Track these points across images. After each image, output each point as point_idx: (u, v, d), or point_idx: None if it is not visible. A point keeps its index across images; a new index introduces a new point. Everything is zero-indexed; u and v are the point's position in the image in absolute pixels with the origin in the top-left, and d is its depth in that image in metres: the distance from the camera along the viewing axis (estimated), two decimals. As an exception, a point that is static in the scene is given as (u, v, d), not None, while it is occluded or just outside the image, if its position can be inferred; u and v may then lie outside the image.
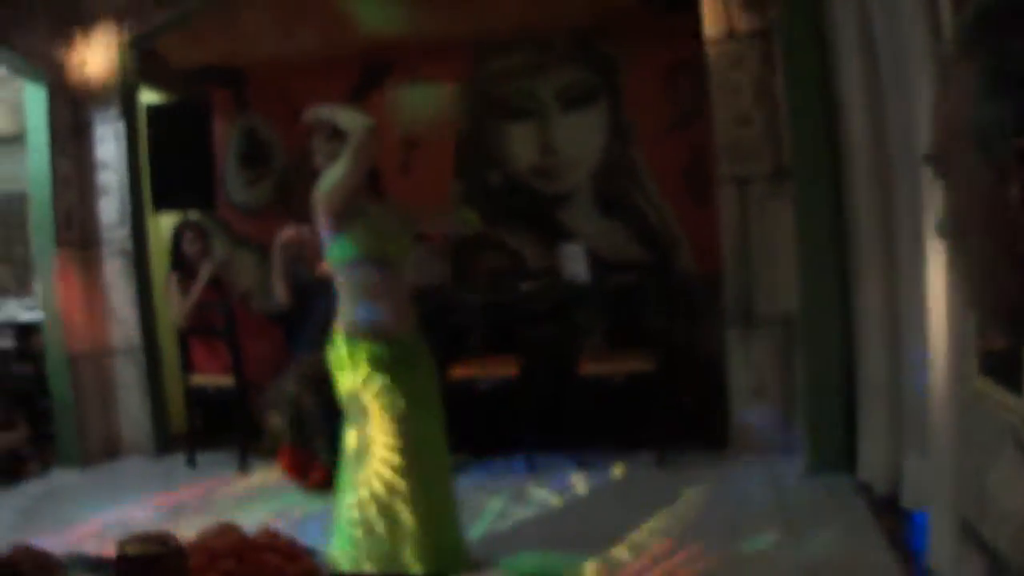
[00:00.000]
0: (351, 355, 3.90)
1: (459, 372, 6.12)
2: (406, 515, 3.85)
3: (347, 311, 3.94)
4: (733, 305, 5.81)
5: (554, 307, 6.27)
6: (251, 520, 5.13)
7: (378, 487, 3.87)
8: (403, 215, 4.15)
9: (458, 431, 6.02)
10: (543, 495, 5.47)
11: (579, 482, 5.67)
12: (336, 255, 3.93)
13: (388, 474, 3.86)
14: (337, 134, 3.87)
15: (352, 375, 3.92)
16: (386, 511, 3.86)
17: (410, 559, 3.83)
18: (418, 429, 3.92)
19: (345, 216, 3.86)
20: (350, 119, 3.83)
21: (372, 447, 3.89)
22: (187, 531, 4.67)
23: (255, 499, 5.83)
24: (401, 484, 3.86)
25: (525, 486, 5.65)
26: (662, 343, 6.03)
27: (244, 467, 6.45)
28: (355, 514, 3.91)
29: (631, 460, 5.94)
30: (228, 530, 1.86)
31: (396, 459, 3.86)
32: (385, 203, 4.13)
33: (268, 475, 6.29)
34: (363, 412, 3.93)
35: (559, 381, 6.07)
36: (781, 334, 5.71)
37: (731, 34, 5.79)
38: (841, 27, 4.78)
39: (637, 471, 5.78)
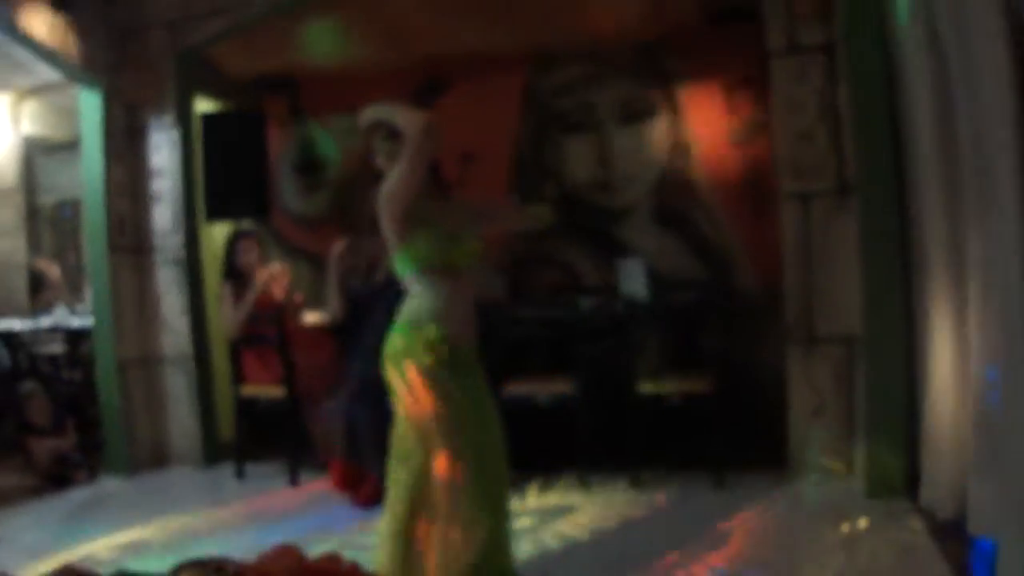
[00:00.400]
0: (410, 347, 3.81)
1: (516, 388, 6.13)
2: (454, 531, 3.76)
3: (413, 315, 3.86)
4: (794, 323, 5.77)
5: (611, 324, 6.21)
6: (298, 534, 5.20)
7: (422, 498, 3.81)
8: (470, 214, 4.06)
9: (512, 447, 6.10)
10: (596, 514, 5.43)
11: (633, 502, 5.64)
12: (403, 263, 3.87)
13: (437, 484, 3.78)
14: (395, 133, 3.82)
15: (408, 369, 3.84)
16: (429, 524, 3.80)
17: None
18: (476, 437, 3.85)
19: (409, 222, 3.79)
20: (405, 118, 3.77)
21: (420, 454, 3.82)
22: (237, 545, 4.72)
23: (305, 513, 5.83)
24: (451, 496, 3.77)
25: (578, 505, 5.63)
26: (720, 362, 5.98)
27: (294, 480, 6.47)
28: (396, 527, 3.87)
29: (687, 481, 5.93)
30: (288, 553, 1.81)
31: (449, 467, 3.77)
32: (450, 202, 4.06)
33: (318, 488, 6.31)
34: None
35: (615, 399, 6.03)
36: (843, 353, 5.65)
37: (794, 48, 5.75)
38: (908, 37, 4.73)
39: (693, 492, 5.75)
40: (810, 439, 5.76)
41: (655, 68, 7.47)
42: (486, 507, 3.84)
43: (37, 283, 8.95)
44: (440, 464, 3.78)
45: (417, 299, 3.85)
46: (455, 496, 3.76)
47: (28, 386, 7.23)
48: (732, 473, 5.81)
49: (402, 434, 3.89)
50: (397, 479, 3.89)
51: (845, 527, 4.80)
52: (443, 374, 3.77)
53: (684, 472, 6.03)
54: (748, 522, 5.05)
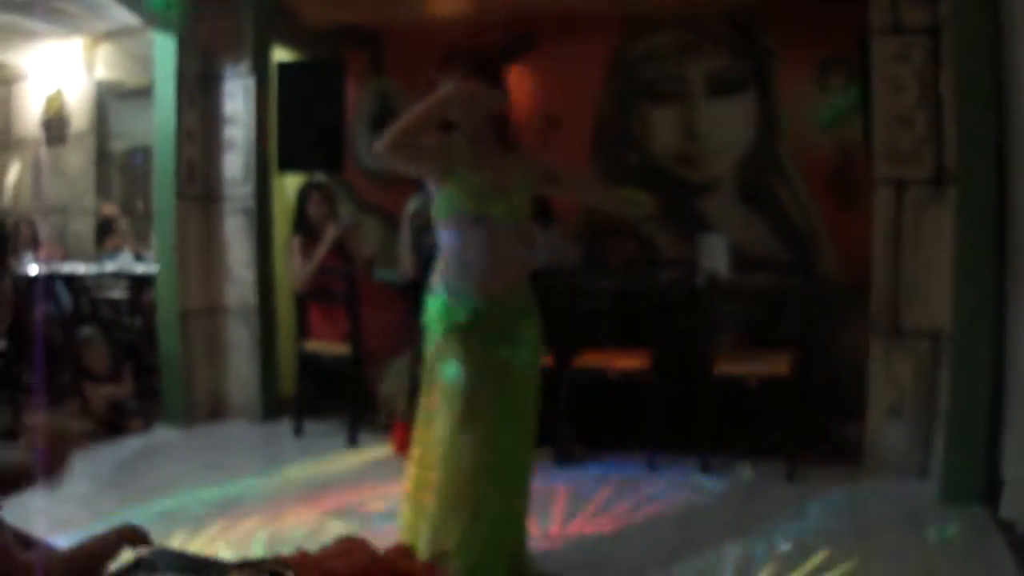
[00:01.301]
0: (438, 315, 3.85)
1: (588, 360, 6.14)
2: (458, 515, 3.73)
3: (442, 270, 3.89)
4: (878, 314, 5.71)
5: (689, 300, 6.17)
6: (358, 499, 5.26)
7: (433, 470, 3.81)
8: (533, 173, 3.97)
9: (580, 421, 6.11)
10: (661, 496, 5.44)
11: (702, 486, 5.64)
12: (435, 212, 3.89)
13: (445, 459, 3.77)
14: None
15: (433, 336, 3.88)
16: (440, 497, 3.77)
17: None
18: (490, 413, 3.79)
19: (443, 170, 3.80)
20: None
21: (436, 421, 3.84)
22: (294, 511, 4.74)
23: (366, 475, 5.90)
24: (455, 474, 3.74)
25: (643, 485, 5.63)
26: (800, 348, 5.94)
27: (353, 441, 6.54)
28: (409, 491, 3.93)
29: (759, 468, 5.90)
30: (355, 547, 1.75)
31: (454, 441, 3.75)
32: (508, 157, 3.93)
33: (378, 451, 6.38)
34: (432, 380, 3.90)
35: (690, 378, 6.02)
36: (928, 349, 5.58)
37: (898, 28, 5.65)
38: (1018, 21, 4.65)
39: (764, 480, 5.73)
40: (887, 436, 5.70)
41: (748, 40, 7.44)
42: (498, 482, 3.82)
43: (104, 228, 9.10)
44: (445, 435, 3.78)
45: (445, 253, 3.87)
46: (458, 469, 3.75)
47: (87, 331, 7.33)
48: (804, 464, 5.77)
49: (427, 395, 3.93)
50: (416, 440, 3.95)
51: (916, 534, 4.72)
52: (456, 344, 3.79)
53: (756, 458, 6.00)
54: (817, 518, 5.00)
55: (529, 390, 3.95)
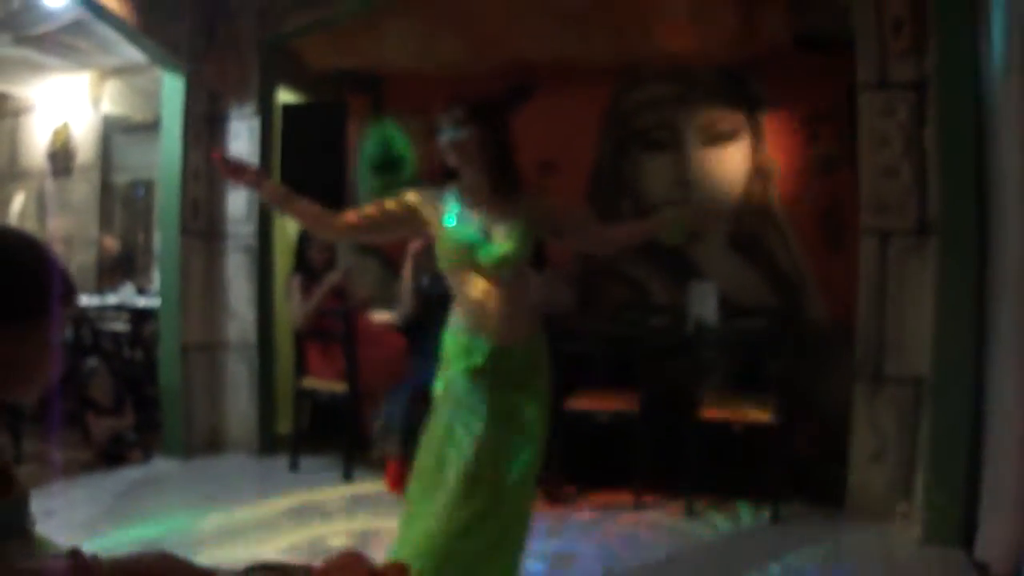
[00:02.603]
0: (455, 352, 3.84)
1: (577, 403, 6.27)
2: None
3: (457, 310, 3.88)
4: (862, 361, 5.84)
5: (678, 345, 6.32)
6: (350, 529, 5.40)
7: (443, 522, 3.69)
8: (540, 218, 3.87)
9: (569, 462, 6.24)
10: (648, 539, 5.54)
11: (687, 528, 5.74)
12: (437, 263, 3.90)
13: (453, 505, 3.68)
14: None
15: (448, 372, 3.87)
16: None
17: None
18: (500, 456, 3.76)
19: (426, 225, 3.86)
20: None
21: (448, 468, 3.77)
22: (287, 538, 4.85)
23: (359, 507, 6.04)
24: (459, 519, 3.66)
25: (629, 526, 5.74)
26: (785, 393, 6.05)
27: (348, 475, 6.67)
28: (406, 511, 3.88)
29: (743, 512, 6.01)
30: (354, 562, 1.77)
31: (460, 486, 3.68)
32: (522, 201, 3.86)
33: (371, 486, 6.48)
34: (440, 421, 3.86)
35: (676, 421, 6.11)
36: (909, 395, 5.70)
37: (884, 82, 5.82)
38: (1001, 84, 4.81)
39: (748, 524, 5.83)
40: (870, 480, 5.81)
41: (740, 92, 7.66)
42: (502, 543, 3.78)
43: (105, 260, 9.24)
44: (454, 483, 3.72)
45: (457, 297, 3.88)
46: (463, 517, 3.68)
47: (92, 363, 7.45)
48: (788, 507, 5.90)
49: (434, 426, 3.89)
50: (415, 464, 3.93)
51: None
52: (471, 384, 3.78)
53: (740, 502, 6.11)
54: (799, 562, 5.10)
55: (534, 440, 3.83)
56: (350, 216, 3.93)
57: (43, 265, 1.82)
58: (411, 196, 3.88)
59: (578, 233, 4.00)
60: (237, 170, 3.84)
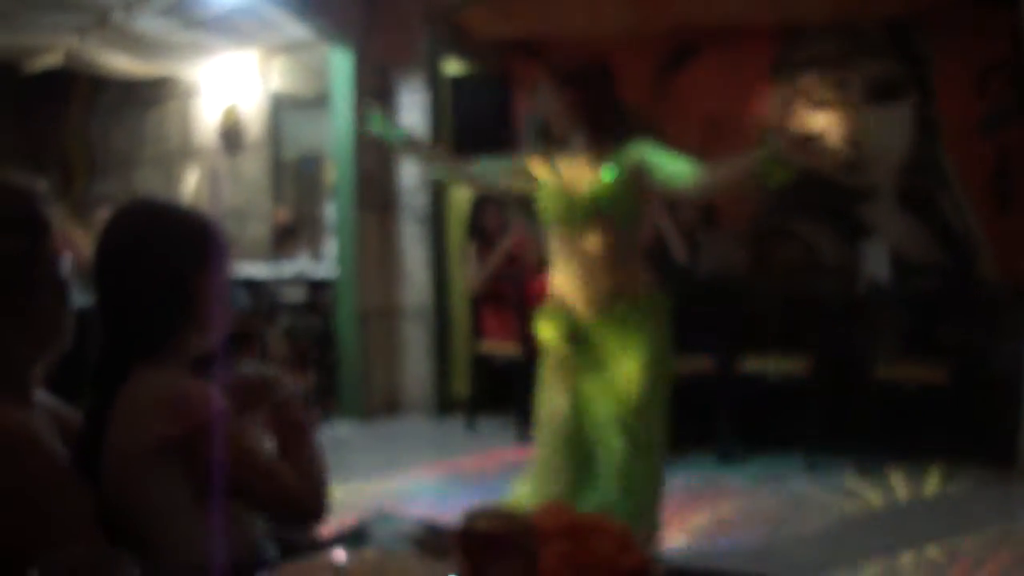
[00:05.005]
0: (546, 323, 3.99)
1: (748, 363, 6.39)
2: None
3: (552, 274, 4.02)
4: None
5: (850, 305, 6.39)
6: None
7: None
8: (625, 170, 3.79)
9: (740, 423, 6.38)
10: (821, 498, 5.62)
11: (860, 489, 5.77)
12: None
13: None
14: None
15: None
16: None
17: None
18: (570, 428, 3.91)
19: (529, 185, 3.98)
20: None
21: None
22: (463, 498, 5.06)
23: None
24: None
25: (798, 487, 5.83)
26: (958, 353, 6.05)
27: (522, 438, 6.86)
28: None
29: (914, 473, 5.99)
30: (562, 509, 1.88)
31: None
32: (612, 155, 3.85)
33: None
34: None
35: (848, 382, 6.18)
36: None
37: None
38: None
39: (919, 485, 5.82)
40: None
41: (906, 47, 7.58)
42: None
43: (281, 233, 9.65)
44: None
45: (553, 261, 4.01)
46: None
47: (271, 329, 7.86)
48: (960, 469, 5.92)
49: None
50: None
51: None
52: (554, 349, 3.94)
53: (912, 463, 6.09)
54: (972, 523, 5.07)
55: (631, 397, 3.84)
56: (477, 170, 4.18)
57: (209, 224, 2.13)
58: (525, 161, 4.03)
59: (672, 182, 3.72)
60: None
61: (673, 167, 3.66)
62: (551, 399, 3.95)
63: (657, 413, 3.87)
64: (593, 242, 3.80)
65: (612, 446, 3.81)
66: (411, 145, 4.32)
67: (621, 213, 3.81)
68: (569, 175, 3.87)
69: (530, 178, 3.96)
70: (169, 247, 2.05)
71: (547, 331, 3.96)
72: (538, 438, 4.01)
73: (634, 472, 3.80)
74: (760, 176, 3.34)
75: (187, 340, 2.07)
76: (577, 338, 3.88)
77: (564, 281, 3.92)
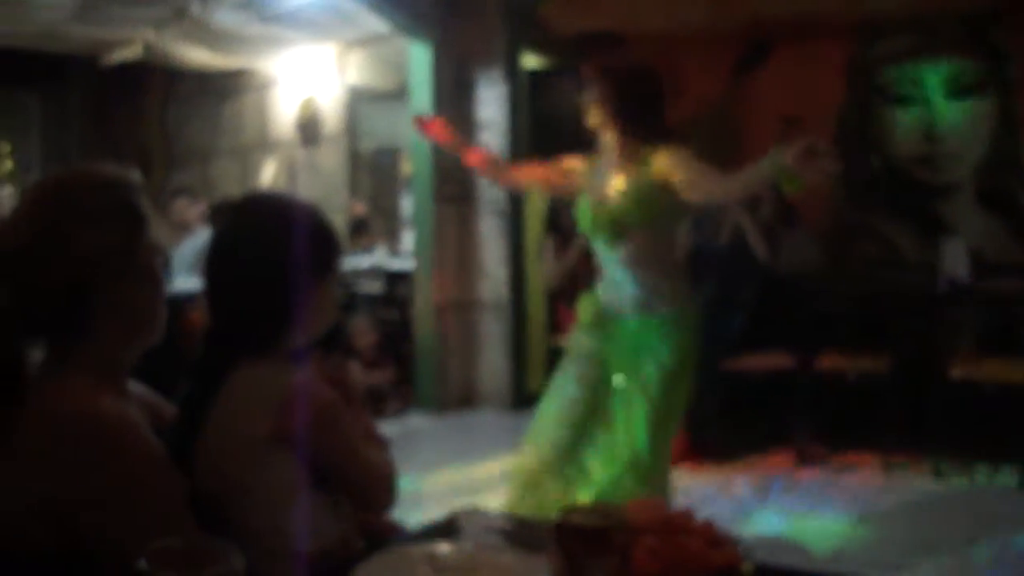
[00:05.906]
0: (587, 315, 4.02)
1: (827, 362, 6.34)
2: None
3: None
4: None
5: (929, 304, 6.38)
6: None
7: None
8: (656, 178, 3.72)
9: (818, 421, 6.35)
10: (893, 499, 5.61)
11: (935, 490, 5.75)
12: None
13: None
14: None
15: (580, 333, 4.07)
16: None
17: None
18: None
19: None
20: None
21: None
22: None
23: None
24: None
25: (875, 486, 5.82)
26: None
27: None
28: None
29: (992, 474, 5.91)
30: (653, 505, 1.93)
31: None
32: (651, 160, 3.75)
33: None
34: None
35: (925, 381, 6.13)
36: None
37: None
38: None
39: (997, 487, 5.78)
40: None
41: (985, 42, 7.57)
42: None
43: (357, 226, 9.79)
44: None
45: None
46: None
47: (357, 320, 8.01)
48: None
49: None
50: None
51: None
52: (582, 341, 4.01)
53: (990, 463, 5.97)
54: None
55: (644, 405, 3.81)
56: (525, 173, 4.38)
57: (329, 224, 2.21)
58: (569, 163, 4.07)
59: (695, 188, 3.67)
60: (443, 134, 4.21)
61: (688, 177, 3.64)
62: (564, 384, 4.10)
63: (668, 425, 3.86)
64: (616, 248, 3.82)
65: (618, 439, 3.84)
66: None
67: (643, 220, 3.76)
68: (597, 179, 3.88)
69: (571, 180, 4.01)
70: (293, 245, 2.06)
71: (584, 313, 4.02)
72: (542, 408, 4.23)
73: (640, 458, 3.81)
74: (776, 186, 3.41)
75: (295, 336, 2.11)
76: (605, 329, 3.91)
77: (600, 284, 3.97)
